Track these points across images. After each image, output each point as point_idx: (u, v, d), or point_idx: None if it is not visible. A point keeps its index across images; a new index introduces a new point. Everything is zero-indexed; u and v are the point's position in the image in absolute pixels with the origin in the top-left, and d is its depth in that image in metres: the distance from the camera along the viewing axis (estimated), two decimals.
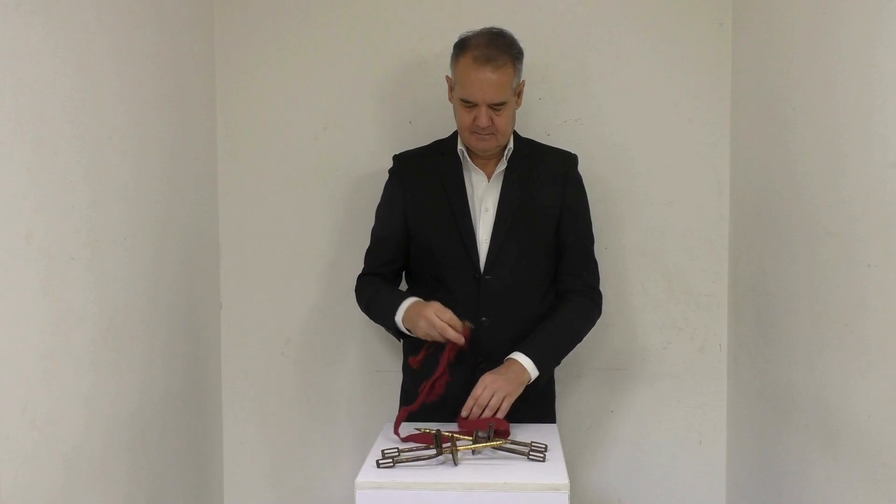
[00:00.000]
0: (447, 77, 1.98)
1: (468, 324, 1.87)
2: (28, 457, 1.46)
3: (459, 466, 1.67)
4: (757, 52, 2.17)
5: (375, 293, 2.03)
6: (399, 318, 1.93)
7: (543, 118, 2.36)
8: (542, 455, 1.70)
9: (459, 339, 1.85)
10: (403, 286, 2.17)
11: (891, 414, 1.50)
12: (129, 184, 1.85)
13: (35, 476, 1.48)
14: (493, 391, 1.82)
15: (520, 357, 1.90)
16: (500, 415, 1.82)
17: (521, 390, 1.87)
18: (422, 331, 1.87)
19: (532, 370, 1.90)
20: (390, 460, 1.66)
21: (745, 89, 2.26)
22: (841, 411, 1.70)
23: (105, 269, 1.73)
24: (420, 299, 1.93)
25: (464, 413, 1.84)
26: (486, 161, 2.02)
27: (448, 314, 1.84)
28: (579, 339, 2.04)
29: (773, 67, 2.05)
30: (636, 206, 2.39)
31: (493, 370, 1.88)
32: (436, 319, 1.83)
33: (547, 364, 1.95)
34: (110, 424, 1.76)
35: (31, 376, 1.47)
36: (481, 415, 1.82)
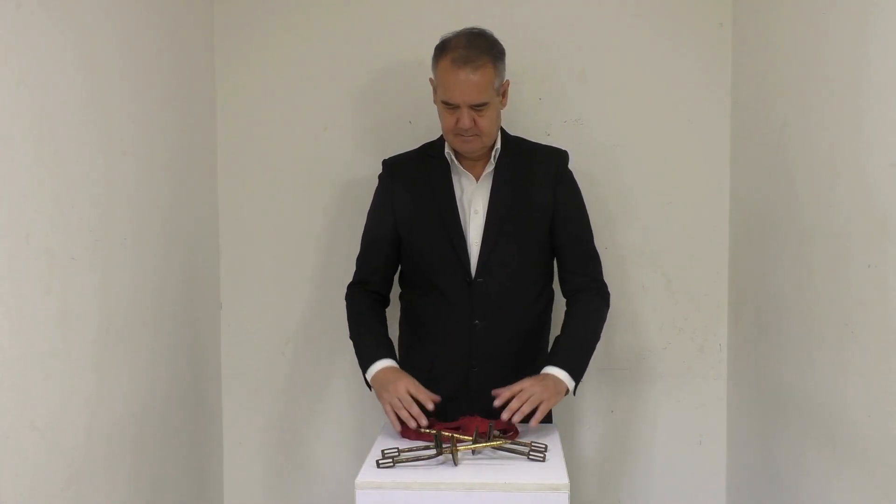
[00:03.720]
0: (430, 79, 1.98)
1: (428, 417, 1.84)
2: (28, 457, 1.46)
3: (459, 466, 1.67)
4: (757, 52, 2.17)
5: (359, 333, 2.01)
6: (369, 376, 1.93)
7: (543, 118, 2.36)
8: (542, 455, 1.70)
9: (410, 423, 1.81)
10: (396, 290, 2.16)
11: (890, 414, 1.50)
12: (129, 184, 1.85)
13: (35, 476, 1.48)
14: (531, 393, 1.81)
15: (554, 370, 1.89)
16: (537, 419, 1.80)
17: (558, 400, 1.86)
18: (384, 401, 1.86)
19: (568, 381, 1.89)
20: (390, 460, 1.66)
21: (745, 89, 2.26)
22: (840, 411, 1.70)
23: (105, 270, 1.73)
24: (396, 366, 1.92)
25: (498, 403, 1.81)
26: (474, 163, 2.01)
27: (420, 396, 1.82)
28: (599, 339, 2.02)
29: (773, 67, 2.05)
30: (636, 206, 2.39)
31: (531, 377, 1.87)
32: (403, 398, 1.82)
33: (580, 372, 1.93)
34: (110, 424, 1.76)
35: (31, 376, 1.47)
36: (516, 412, 1.78)
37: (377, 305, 2.08)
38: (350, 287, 2.11)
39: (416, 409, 1.81)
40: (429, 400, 1.84)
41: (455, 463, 1.67)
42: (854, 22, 1.63)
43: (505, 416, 1.79)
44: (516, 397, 1.80)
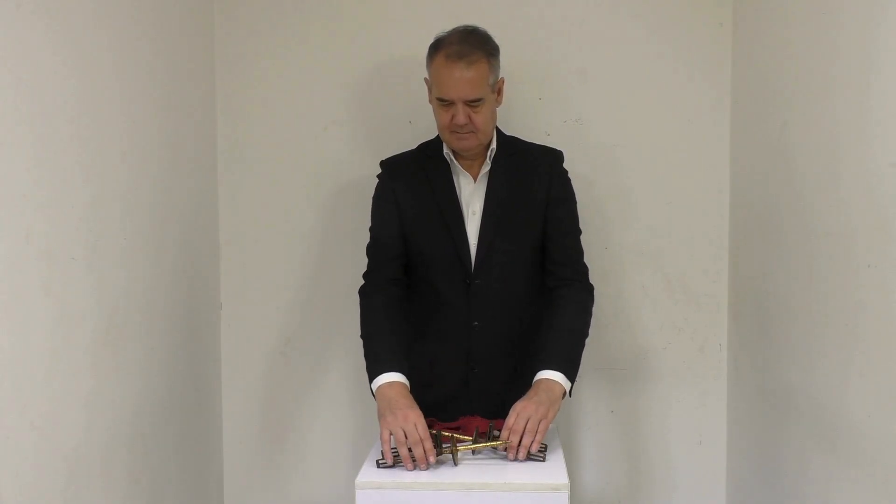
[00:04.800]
0: (425, 79, 1.98)
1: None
2: (28, 457, 1.46)
3: (459, 466, 1.67)
4: (757, 52, 2.17)
5: (369, 333, 1.92)
6: (375, 386, 1.82)
7: (543, 118, 2.36)
8: (542, 455, 1.70)
9: (408, 464, 1.66)
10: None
11: (890, 414, 1.50)
12: (129, 184, 1.85)
13: (35, 476, 1.48)
14: (527, 417, 1.72)
15: (546, 374, 1.82)
16: (538, 441, 1.71)
17: (557, 408, 1.78)
18: (385, 426, 1.71)
19: (564, 381, 1.81)
20: (390, 460, 1.66)
21: (745, 89, 2.26)
22: (840, 411, 1.70)
23: (105, 269, 1.73)
24: (404, 384, 1.81)
25: (504, 437, 1.74)
26: (471, 163, 2.00)
27: (426, 444, 1.67)
28: (588, 335, 1.96)
29: (773, 67, 2.05)
30: (636, 205, 2.39)
31: (523, 397, 1.79)
32: (410, 434, 1.67)
33: (573, 371, 1.86)
34: (110, 424, 1.76)
35: (31, 376, 1.47)
36: (520, 443, 1.71)
37: (393, 302, 1.97)
38: (366, 276, 2.02)
39: (419, 452, 1.66)
40: (430, 455, 1.67)
41: (455, 463, 1.67)
42: (855, 22, 1.63)
43: (519, 456, 1.71)
44: (513, 432, 1.72)
